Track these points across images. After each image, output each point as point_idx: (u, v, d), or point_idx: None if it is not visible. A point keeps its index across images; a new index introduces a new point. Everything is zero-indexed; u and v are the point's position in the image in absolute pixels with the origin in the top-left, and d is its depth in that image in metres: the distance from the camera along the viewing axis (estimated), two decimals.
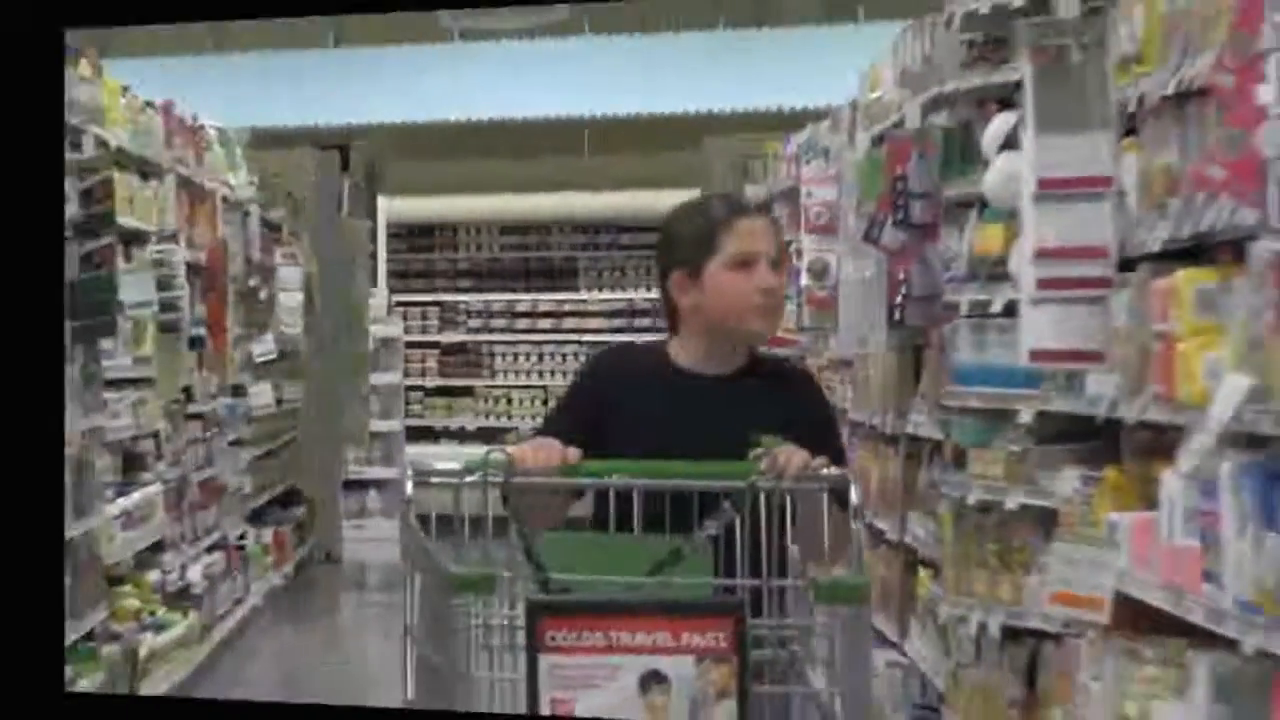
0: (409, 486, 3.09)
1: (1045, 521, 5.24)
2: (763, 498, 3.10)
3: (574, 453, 3.23)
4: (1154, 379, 4.27)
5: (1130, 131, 4.53)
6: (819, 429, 3.47)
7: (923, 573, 6.40)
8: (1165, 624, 4.33)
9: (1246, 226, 3.73)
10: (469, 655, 3.01)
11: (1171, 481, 4.13)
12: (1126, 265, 4.53)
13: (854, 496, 3.13)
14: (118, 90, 7.89)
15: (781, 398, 3.49)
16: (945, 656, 6.13)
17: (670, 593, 2.98)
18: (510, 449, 3.23)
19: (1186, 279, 4.08)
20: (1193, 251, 4.27)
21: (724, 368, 3.52)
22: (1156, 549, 4.26)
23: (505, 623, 3.02)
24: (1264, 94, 3.51)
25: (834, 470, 3.19)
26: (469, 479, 3.15)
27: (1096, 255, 4.59)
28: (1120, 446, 4.89)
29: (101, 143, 7.26)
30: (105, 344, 7.10)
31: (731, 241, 3.44)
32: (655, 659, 2.74)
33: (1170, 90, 4.13)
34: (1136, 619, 4.54)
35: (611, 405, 3.46)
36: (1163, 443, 4.55)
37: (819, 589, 2.92)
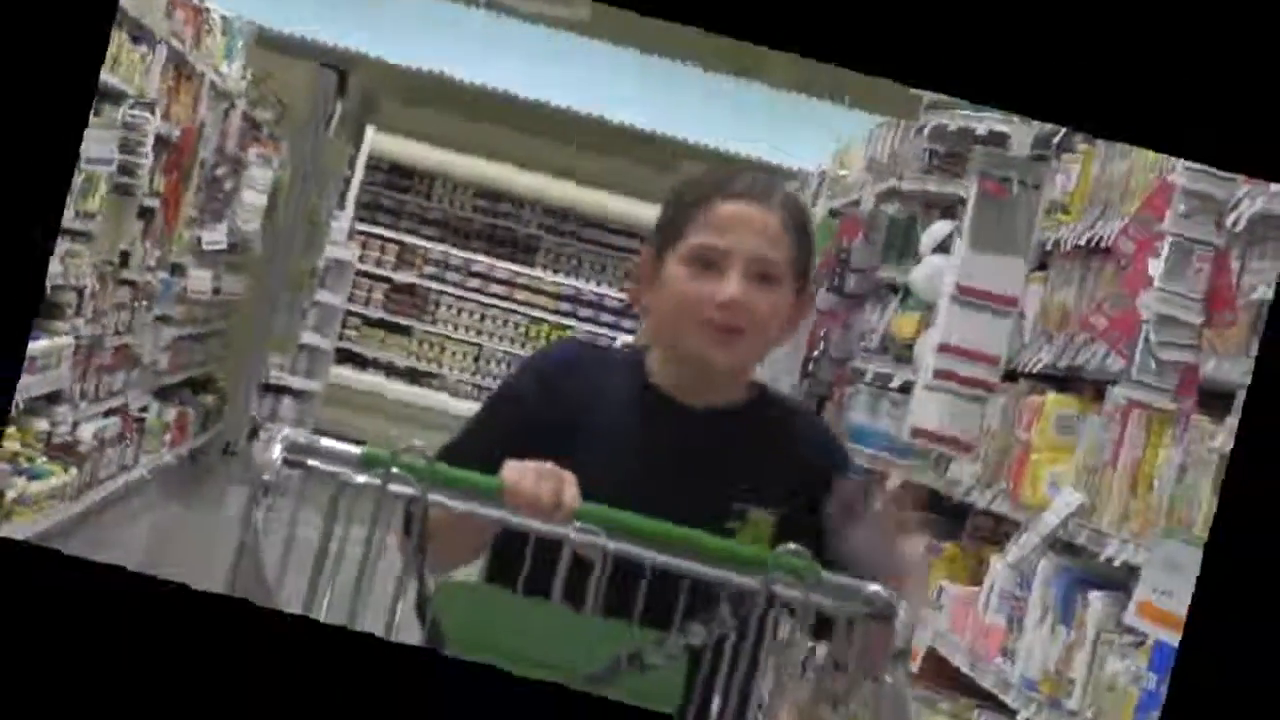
0: (275, 454, 2.10)
1: None
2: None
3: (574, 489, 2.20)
4: (1006, 477, 4.78)
5: (1042, 266, 5.05)
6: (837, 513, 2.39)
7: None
8: (963, 685, 4.86)
9: (1112, 371, 4.22)
10: None
11: (997, 566, 4.64)
12: (1010, 376, 5.05)
13: (901, 626, 2.14)
14: None
15: (787, 456, 2.43)
16: None
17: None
18: (505, 472, 2.18)
19: (1053, 401, 4.59)
20: (1064, 379, 4.80)
21: (716, 397, 2.44)
22: (971, 620, 4.77)
23: None
24: (1154, 268, 3.96)
25: (880, 589, 2.16)
26: (361, 479, 2.11)
27: (988, 361, 5.09)
28: (965, 526, 5.42)
29: None
30: None
31: (698, 229, 2.39)
32: None
33: (1082, 242, 4.64)
34: (942, 674, 5.07)
35: (559, 427, 2.40)
36: (999, 531, 5.09)
37: None
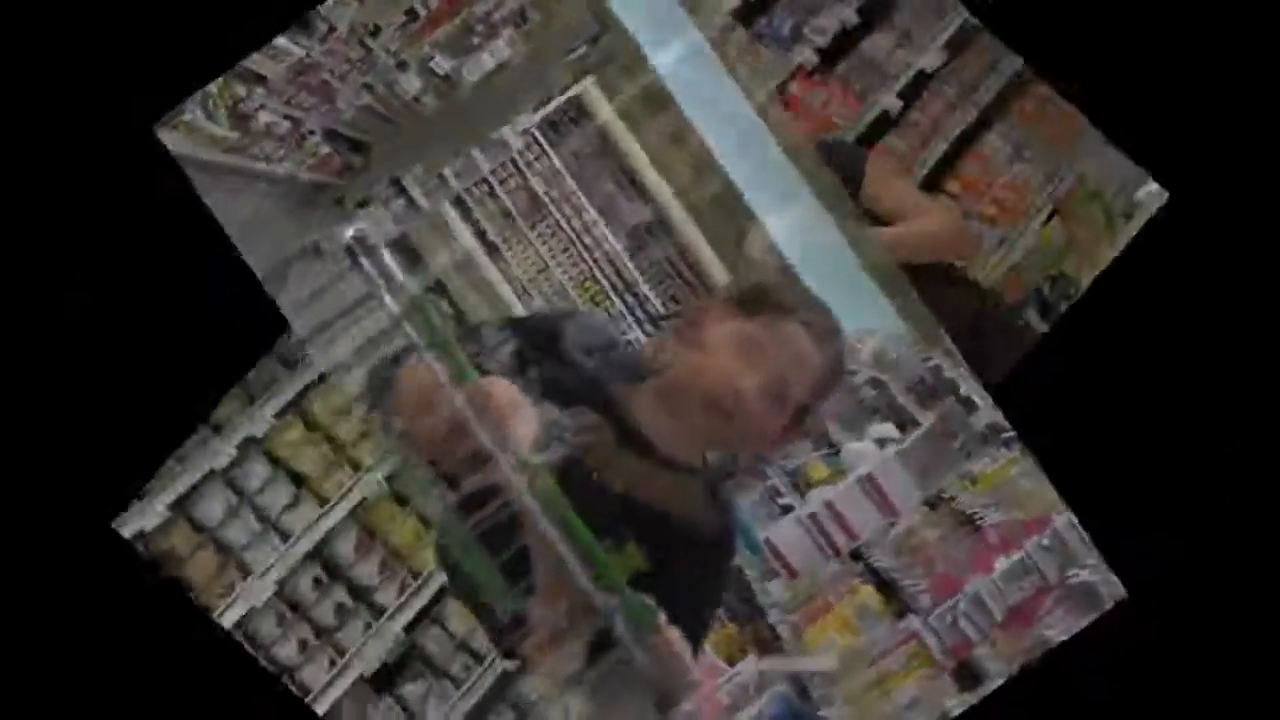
0: (345, 235, 1.86)
1: None
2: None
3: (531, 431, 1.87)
4: (801, 615, 4.77)
5: (930, 505, 5.02)
6: (693, 593, 2.14)
7: None
8: None
9: (919, 605, 4.19)
10: None
11: (751, 664, 4.63)
12: (855, 554, 5.02)
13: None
14: None
15: (691, 521, 2.15)
16: None
17: None
18: (487, 383, 1.84)
19: (865, 593, 4.57)
20: (885, 584, 4.78)
21: (677, 452, 2.14)
22: (707, 687, 4.76)
23: None
24: (999, 564, 3.94)
25: (685, 676, 1.97)
26: (388, 301, 1.84)
27: (851, 536, 5.05)
28: (749, 625, 5.41)
29: None
30: None
31: (761, 325, 2.14)
32: None
33: (968, 512, 4.58)
34: None
35: (552, 388, 2.01)
36: (771, 644, 5.08)
37: None
